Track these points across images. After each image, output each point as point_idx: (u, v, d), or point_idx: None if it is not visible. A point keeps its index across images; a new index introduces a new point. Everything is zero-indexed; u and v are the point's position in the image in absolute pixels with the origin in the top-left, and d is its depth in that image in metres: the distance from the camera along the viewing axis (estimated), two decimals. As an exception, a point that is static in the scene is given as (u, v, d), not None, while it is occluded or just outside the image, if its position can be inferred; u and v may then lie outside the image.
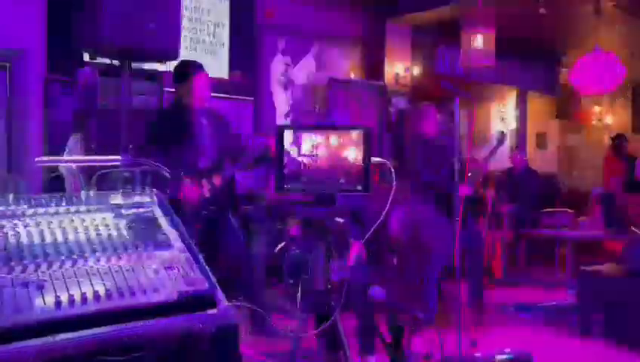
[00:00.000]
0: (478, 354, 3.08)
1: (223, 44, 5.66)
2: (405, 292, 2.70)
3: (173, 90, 3.56)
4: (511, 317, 4.25)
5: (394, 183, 1.62)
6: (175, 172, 3.18)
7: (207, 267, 1.62)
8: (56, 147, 4.20)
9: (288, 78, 6.15)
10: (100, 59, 3.69)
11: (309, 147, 1.62)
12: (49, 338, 1.27)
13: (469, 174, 3.74)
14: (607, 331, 3.55)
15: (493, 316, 4.25)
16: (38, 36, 2.97)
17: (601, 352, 3.41)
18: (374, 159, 1.62)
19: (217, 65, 5.54)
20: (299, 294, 4.04)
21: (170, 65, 3.65)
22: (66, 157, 4.29)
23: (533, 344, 3.38)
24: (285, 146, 1.62)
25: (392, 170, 1.65)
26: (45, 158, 1.70)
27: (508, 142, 8.14)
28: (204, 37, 5.56)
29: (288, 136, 1.63)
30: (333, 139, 1.62)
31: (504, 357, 3.08)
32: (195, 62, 3.55)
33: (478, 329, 3.41)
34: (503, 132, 4.38)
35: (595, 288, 3.74)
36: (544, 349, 3.35)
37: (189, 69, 3.42)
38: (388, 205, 1.61)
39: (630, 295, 3.53)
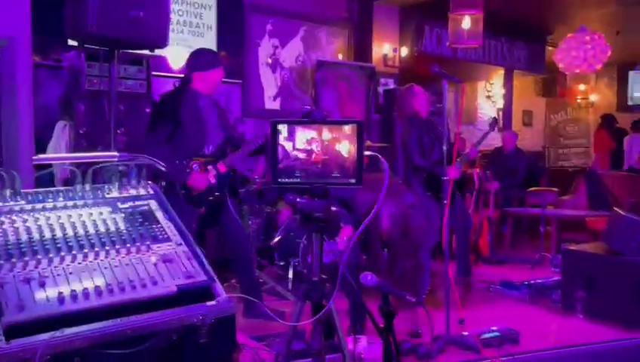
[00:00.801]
0: (465, 333, 3.16)
1: (210, 27, 5.61)
2: (396, 280, 2.76)
3: (183, 74, 3.46)
4: (497, 294, 4.35)
5: (386, 177, 1.65)
6: (182, 157, 3.20)
7: (204, 259, 1.65)
8: (42, 132, 4.14)
9: (276, 60, 6.12)
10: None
11: (303, 141, 1.65)
12: (56, 333, 1.30)
13: (458, 159, 3.79)
14: (589, 308, 3.66)
15: (480, 294, 4.35)
16: (25, 23, 2.92)
17: (584, 328, 3.53)
18: (367, 152, 1.66)
19: (205, 48, 5.49)
20: (289, 276, 4.11)
21: (158, 51, 3.61)
22: (53, 144, 4.26)
23: (519, 321, 3.47)
24: (280, 141, 1.65)
25: (385, 163, 1.69)
26: (42, 156, 1.71)
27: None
28: (191, 19, 5.51)
29: (282, 130, 1.66)
30: (326, 133, 1.66)
31: (491, 335, 3.17)
32: (217, 55, 3.54)
33: (466, 308, 3.49)
34: (495, 118, 4.45)
35: (578, 266, 3.83)
36: (530, 326, 3.45)
37: (211, 62, 3.36)
38: (381, 197, 1.64)
39: (612, 273, 3.64)
